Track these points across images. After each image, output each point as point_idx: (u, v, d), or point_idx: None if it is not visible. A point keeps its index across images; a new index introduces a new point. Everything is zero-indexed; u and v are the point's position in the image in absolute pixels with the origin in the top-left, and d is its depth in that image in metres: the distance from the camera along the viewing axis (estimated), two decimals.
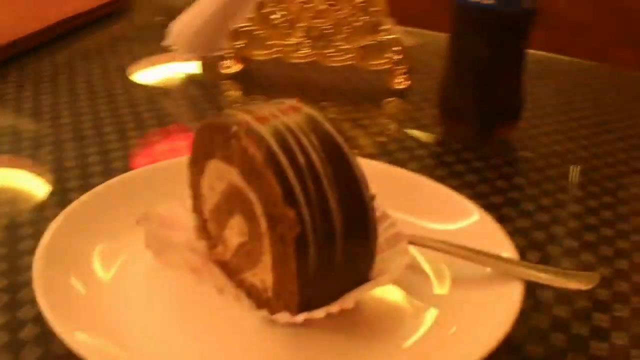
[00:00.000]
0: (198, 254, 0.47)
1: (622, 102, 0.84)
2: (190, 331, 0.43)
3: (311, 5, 0.79)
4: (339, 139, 0.42)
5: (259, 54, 0.81)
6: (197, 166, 0.46)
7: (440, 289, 0.47)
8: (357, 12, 0.80)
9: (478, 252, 0.47)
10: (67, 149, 0.66)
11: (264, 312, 0.42)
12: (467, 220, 0.51)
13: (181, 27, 0.81)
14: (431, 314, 0.45)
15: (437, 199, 0.53)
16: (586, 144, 0.72)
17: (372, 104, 0.80)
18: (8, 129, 0.71)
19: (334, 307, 0.41)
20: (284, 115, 0.42)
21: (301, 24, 0.80)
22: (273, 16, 0.80)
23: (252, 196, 0.41)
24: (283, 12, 0.80)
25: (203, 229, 0.48)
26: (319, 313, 0.40)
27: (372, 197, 0.42)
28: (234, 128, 0.41)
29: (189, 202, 0.49)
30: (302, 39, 0.80)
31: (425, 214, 0.52)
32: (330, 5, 0.79)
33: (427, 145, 0.71)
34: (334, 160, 0.41)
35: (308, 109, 0.43)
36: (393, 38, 0.80)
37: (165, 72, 0.85)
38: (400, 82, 0.82)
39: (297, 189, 0.39)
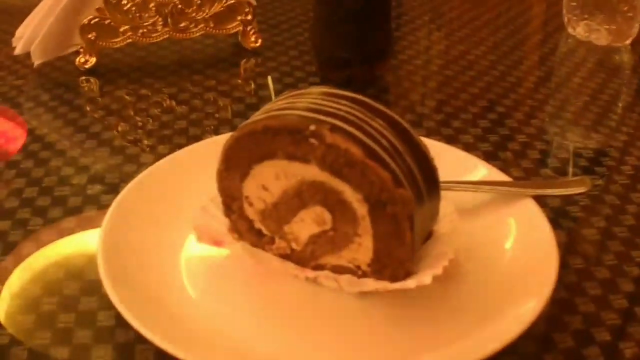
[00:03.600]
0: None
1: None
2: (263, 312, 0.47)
3: None
4: (396, 117, 0.46)
5: (113, 42, 0.80)
6: (237, 171, 0.48)
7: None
8: None
9: (476, 182, 0.54)
10: None
11: (367, 285, 0.46)
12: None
13: (29, 31, 0.77)
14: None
15: None
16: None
17: (232, 67, 0.82)
18: None
19: (438, 270, 0.45)
20: (337, 103, 0.45)
21: (151, 5, 0.79)
22: (123, 2, 0.78)
23: (343, 186, 0.44)
24: None
25: (248, 230, 0.49)
26: (426, 278, 0.45)
27: (433, 159, 0.47)
28: (312, 127, 0.43)
29: (213, 207, 0.50)
30: (154, 19, 0.80)
31: None
32: None
33: None
34: (401, 136, 0.45)
35: (352, 94, 0.46)
36: (241, 0, 0.82)
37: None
38: (254, 41, 0.84)
39: (399, 172, 0.43)
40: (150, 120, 0.71)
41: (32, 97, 0.75)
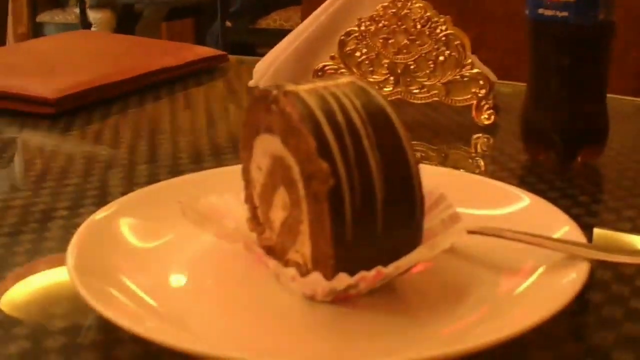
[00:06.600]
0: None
1: None
2: (227, 308, 0.41)
3: (393, 40, 0.79)
4: (384, 103, 0.40)
5: None
6: (246, 151, 0.46)
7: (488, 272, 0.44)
8: (440, 46, 0.78)
9: (539, 236, 0.44)
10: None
11: (301, 284, 0.40)
12: (521, 206, 0.49)
13: (265, 66, 0.82)
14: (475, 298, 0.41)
15: (493, 192, 0.52)
16: None
17: (459, 141, 0.78)
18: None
19: (371, 273, 0.38)
20: (332, 84, 0.41)
21: (384, 61, 0.79)
22: (357, 54, 0.79)
23: (291, 160, 0.40)
24: (365, 49, 0.79)
25: (254, 218, 0.46)
26: (354, 278, 0.38)
27: (418, 162, 0.40)
28: (274, 92, 0.40)
29: (242, 194, 0.48)
30: (386, 76, 0.80)
31: (482, 207, 0.50)
32: (412, 40, 0.79)
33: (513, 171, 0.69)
34: (377, 123, 0.39)
35: (359, 81, 0.42)
36: (478, 72, 0.79)
37: None
38: (487, 118, 0.79)
39: (332, 143, 0.37)
40: None
41: None
